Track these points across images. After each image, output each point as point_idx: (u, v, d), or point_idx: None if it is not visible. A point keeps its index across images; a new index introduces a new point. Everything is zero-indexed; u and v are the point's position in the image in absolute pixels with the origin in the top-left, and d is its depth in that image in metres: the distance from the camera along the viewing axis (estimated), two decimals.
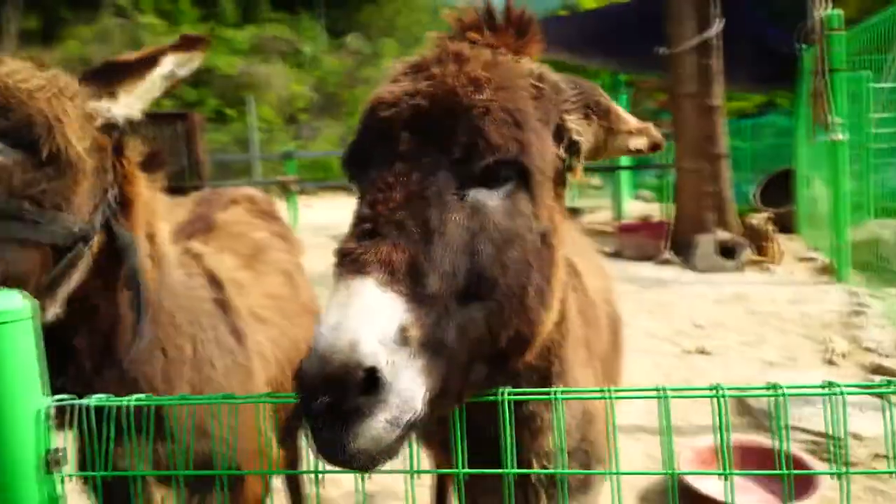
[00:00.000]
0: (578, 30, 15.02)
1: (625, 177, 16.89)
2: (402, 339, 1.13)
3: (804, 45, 10.43)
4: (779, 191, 13.36)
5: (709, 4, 10.69)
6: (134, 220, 1.97)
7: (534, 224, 1.33)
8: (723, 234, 10.52)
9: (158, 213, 2.13)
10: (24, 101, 1.71)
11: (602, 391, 1.32)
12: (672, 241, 11.00)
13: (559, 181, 1.44)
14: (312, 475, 1.35)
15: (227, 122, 29.09)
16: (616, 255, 11.32)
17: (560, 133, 1.42)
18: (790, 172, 13.22)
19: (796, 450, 3.93)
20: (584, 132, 1.44)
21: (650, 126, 1.54)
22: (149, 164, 2.08)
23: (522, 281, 1.30)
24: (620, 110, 1.50)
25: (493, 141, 1.27)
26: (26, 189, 1.68)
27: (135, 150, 2.03)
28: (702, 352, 6.45)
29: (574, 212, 14.90)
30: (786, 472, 1.23)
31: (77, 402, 1.47)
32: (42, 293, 1.71)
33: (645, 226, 12.42)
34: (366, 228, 1.23)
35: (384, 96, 1.36)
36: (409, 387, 1.13)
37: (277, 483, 3.84)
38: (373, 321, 1.11)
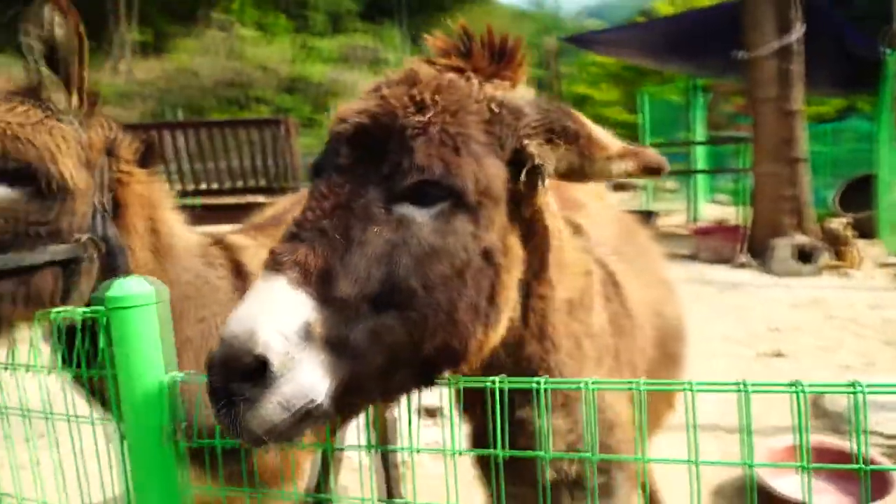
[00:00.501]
0: (655, 35, 14.70)
1: (701, 180, 16.44)
2: (307, 334, 1.17)
3: (888, 50, 9.94)
4: (859, 196, 12.75)
5: (789, 8, 10.30)
6: (129, 218, 2.03)
7: (472, 244, 1.32)
8: (800, 238, 10.12)
9: (161, 205, 2.16)
10: (23, 143, 1.81)
11: (682, 384, 1.32)
12: (749, 245, 10.65)
13: (518, 204, 1.42)
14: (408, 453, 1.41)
15: (316, 127, 29.76)
16: (692, 257, 11.03)
17: (519, 157, 1.38)
18: (871, 177, 12.61)
19: (873, 453, 3.78)
20: (547, 157, 1.39)
21: (641, 150, 1.42)
22: (144, 159, 2.11)
23: (451, 296, 1.30)
24: (597, 135, 1.42)
25: (418, 161, 1.28)
26: (32, 221, 1.81)
27: (128, 148, 2.07)
28: (778, 355, 6.24)
29: (647, 215, 14.60)
30: (863, 467, 1.21)
31: (198, 379, 1.56)
32: (59, 304, 1.85)
33: (721, 229, 12.07)
34: (292, 232, 1.29)
35: (342, 112, 1.40)
36: (307, 378, 1.17)
37: (364, 460, 3.93)
38: (276, 315, 1.17)
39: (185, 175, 11.54)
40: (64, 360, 1.80)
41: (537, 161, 1.37)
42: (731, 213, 13.29)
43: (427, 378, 1.39)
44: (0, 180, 1.78)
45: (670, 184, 19.67)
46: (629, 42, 15.65)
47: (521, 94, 1.45)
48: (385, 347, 1.26)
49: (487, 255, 1.34)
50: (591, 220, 2.13)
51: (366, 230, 1.26)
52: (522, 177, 1.37)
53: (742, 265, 10.38)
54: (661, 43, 14.36)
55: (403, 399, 1.45)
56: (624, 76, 29.87)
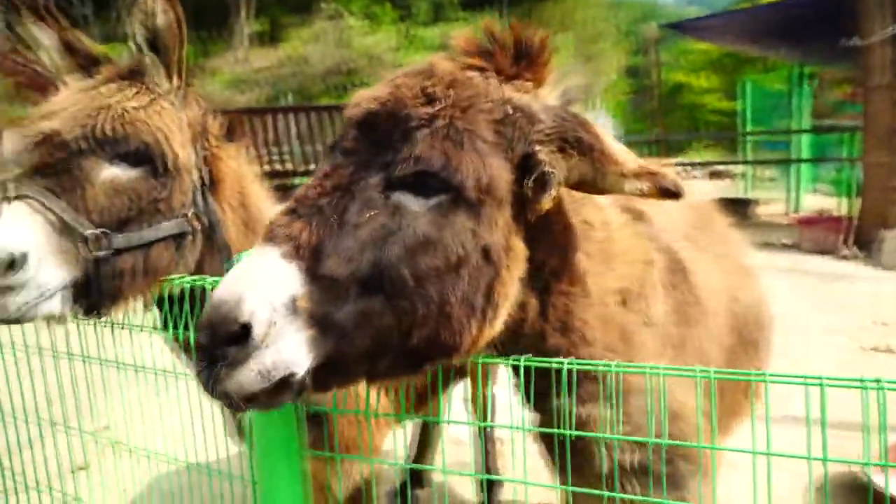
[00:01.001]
0: (761, 22, 13.93)
1: (803, 170, 15.55)
2: (293, 307, 1.16)
3: None
4: None
5: None
6: (223, 192, 2.06)
7: (469, 240, 1.27)
8: None
9: (249, 179, 2.18)
10: (141, 126, 1.86)
11: (811, 378, 1.22)
12: (855, 236, 10.01)
13: (522, 207, 1.36)
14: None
15: None
16: (793, 247, 10.48)
17: (529, 162, 1.33)
18: None
19: None
20: (557, 165, 1.33)
21: (659, 171, 1.32)
22: (231, 134, 2.14)
23: (444, 289, 1.26)
24: (612, 150, 1.33)
25: (418, 151, 1.25)
26: (151, 199, 1.86)
27: (216, 125, 2.10)
28: (887, 350, 5.83)
29: (745, 203, 13.94)
30: None
31: None
32: (174, 274, 1.90)
33: (825, 219, 11.38)
34: (291, 207, 1.27)
35: (357, 97, 1.39)
36: (289, 349, 1.15)
37: (463, 435, 3.93)
38: (264, 284, 1.16)
39: (295, 156, 11.88)
40: (172, 326, 1.85)
41: (546, 168, 1.33)
42: (834, 204, 12.52)
43: (416, 366, 1.36)
44: (122, 161, 1.84)
45: (769, 172, 18.74)
46: (733, 28, 14.90)
47: (542, 98, 1.40)
48: (372, 331, 1.24)
49: (486, 252, 1.30)
50: (657, 207, 2.02)
51: (361, 213, 1.25)
52: (529, 182, 1.33)
53: (846, 257, 9.77)
54: (766, 29, 13.61)
55: (505, 377, 1.42)
56: (724, 63, 28.67)
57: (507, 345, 1.48)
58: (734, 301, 2.09)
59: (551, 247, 1.46)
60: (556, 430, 1.50)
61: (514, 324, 1.45)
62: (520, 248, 1.38)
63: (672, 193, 1.32)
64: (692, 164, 20.30)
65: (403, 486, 3.76)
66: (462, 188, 1.26)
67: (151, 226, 1.86)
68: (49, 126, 1.82)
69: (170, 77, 1.99)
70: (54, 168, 1.78)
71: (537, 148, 1.33)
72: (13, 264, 1.63)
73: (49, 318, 1.77)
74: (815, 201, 15.14)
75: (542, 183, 1.33)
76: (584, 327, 1.52)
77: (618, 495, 1.53)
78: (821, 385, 1.19)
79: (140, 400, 2.07)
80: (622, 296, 1.58)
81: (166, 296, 1.82)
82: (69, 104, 1.87)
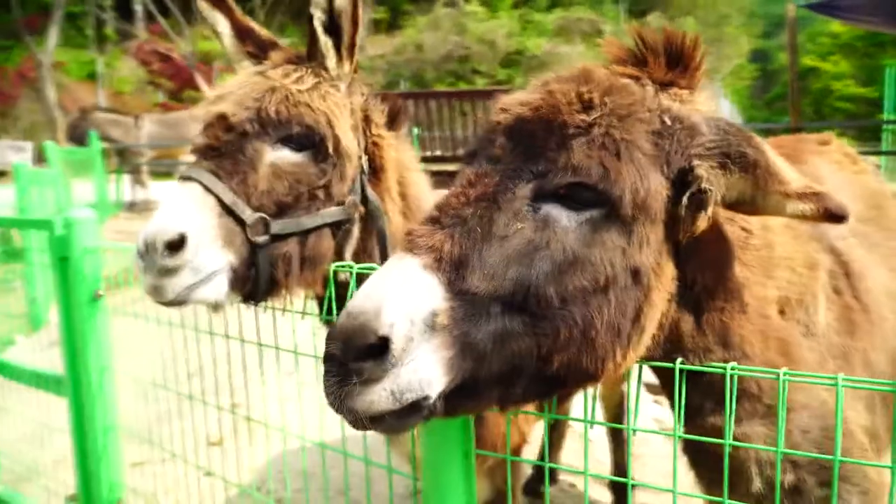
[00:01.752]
0: None
1: None
2: (432, 322, 1.08)
3: None
4: None
5: None
6: (385, 181, 1.98)
7: (620, 259, 1.19)
8: None
9: (409, 167, 2.11)
10: (305, 109, 1.79)
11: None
12: None
13: (675, 226, 1.26)
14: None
15: None
16: None
17: (685, 177, 1.23)
18: None
19: None
20: (716, 182, 1.22)
21: (825, 192, 1.20)
22: (392, 121, 2.06)
23: (589, 312, 1.17)
24: (778, 167, 1.22)
25: (575, 161, 1.17)
26: (312, 184, 1.80)
27: (379, 111, 2.01)
28: None
29: None
30: None
31: None
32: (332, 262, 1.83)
33: None
34: (433, 216, 1.21)
35: (504, 101, 1.33)
36: (424, 369, 1.07)
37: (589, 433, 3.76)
38: (405, 296, 1.08)
39: (415, 141, 12.00)
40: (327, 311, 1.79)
41: (704, 185, 1.21)
42: None
43: (551, 392, 1.26)
44: (286, 145, 1.80)
45: None
46: (885, 8, 13.66)
47: (701, 107, 1.29)
48: (509, 354, 1.15)
49: (636, 274, 1.20)
50: None
51: (508, 225, 1.17)
52: (685, 199, 1.21)
53: None
54: None
55: (633, 373, 1.38)
56: (856, 47, 26.77)
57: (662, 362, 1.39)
58: None
59: (703, 263, 1.36)
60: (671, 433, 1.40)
61: (667, 343, 1.36)
62: (669, 268, 1.29)
63: (837, 217, 1.21)
64: None
65: (530, 481, 3.68)
66: (618, 203, 1.19)
67: (311, 212, 1.81)
68: (218, 109, 1.82)
69: (341, 60, 1.94)
70: (220, 151, 1.78)
71: (696, 163, 1.24)
72: (173, 247, 1.63)
73: (207, 304, 1.75)
74: None
75: (699, 201, 1.23)
76: (742, 343, 1.42)
77: None
78: None
79: (297, 381, 2.03)
80: (781, 305, 1.47)
81: (331, 279, 1.76)
82: (238, 87, 1.87)
